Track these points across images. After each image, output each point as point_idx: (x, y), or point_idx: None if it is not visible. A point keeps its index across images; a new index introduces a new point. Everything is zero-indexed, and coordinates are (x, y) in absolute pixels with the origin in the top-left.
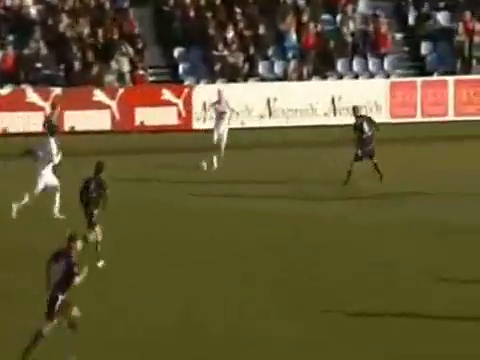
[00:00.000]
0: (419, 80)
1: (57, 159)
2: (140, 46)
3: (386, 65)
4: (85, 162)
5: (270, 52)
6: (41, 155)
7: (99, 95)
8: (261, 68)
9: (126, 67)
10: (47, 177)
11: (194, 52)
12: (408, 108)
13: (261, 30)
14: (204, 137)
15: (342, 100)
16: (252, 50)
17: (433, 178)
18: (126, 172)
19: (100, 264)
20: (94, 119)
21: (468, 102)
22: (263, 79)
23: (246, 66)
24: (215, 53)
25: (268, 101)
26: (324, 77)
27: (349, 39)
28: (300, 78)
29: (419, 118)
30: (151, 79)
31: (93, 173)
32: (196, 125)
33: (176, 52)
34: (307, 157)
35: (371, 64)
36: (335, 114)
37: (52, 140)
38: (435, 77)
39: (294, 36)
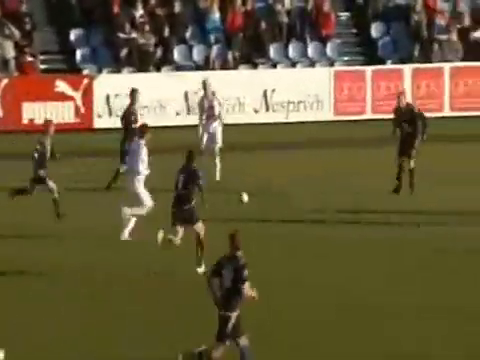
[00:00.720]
0: (369, 69)
1: (146, 168)
2: (28, 27)
3: (329, 51)
4: None
5: (188, 35)
6: (128, 165)
7: None
8: (177, 54)
9: (10, 53)
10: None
11: (95, 35)
12: (356, 103)
13: (177, 8)
14: (107, 139)
15: (276, 93)
16: (166, 32)
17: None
18: (15, 181)
19: (201, 270)
20: None
21: (428, 95)
22: (180, 68)
23: (159, 52)
24: (121, 36)
25: (186, 94)
26: (254, 65)
27: (284, 19)
28: (225, 67)
29: (369, 115)
30: (42, 67)
31: (184, 163)
32: (98, 124)
33: (73, 35)
34: (234, 162)
35: (311, 50)
36: (267, 110)
37: (142, 143)
38: (388, 65)
39: (217, 15)
